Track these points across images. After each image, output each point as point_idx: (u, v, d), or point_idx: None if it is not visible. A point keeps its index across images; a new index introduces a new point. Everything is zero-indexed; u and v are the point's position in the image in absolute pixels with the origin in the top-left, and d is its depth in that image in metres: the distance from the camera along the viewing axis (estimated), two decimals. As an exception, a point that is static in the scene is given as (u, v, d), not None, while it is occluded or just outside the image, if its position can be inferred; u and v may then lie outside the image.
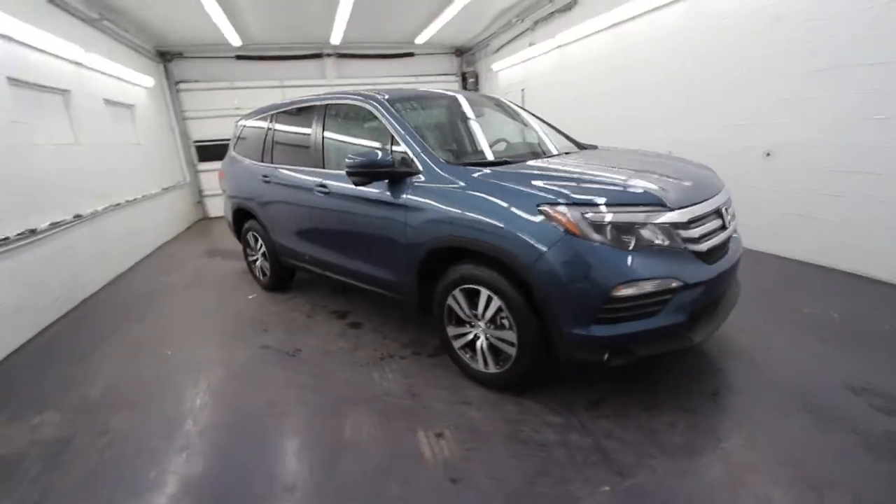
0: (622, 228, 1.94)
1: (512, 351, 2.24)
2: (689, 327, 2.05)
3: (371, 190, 2.72)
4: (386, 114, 2.78)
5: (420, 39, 8.85)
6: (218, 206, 9.16)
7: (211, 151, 8.88)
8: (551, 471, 1.84)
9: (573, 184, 2.12)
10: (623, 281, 1.90)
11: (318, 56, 9.21)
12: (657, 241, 1.97)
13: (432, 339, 3.08)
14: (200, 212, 9.15)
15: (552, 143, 3.22)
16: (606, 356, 2.01)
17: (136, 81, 6.73)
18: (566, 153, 3.05)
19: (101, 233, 4.96)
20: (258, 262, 4.35)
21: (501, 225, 2.10)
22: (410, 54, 9.72)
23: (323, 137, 3.24)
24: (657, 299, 1.95)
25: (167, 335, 3.50)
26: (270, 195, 3.75)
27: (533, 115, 3.58)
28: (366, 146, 3.01)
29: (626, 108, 5.80)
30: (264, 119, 4.05)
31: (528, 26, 7.60)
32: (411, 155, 2.57)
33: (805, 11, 3.73)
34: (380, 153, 2.52)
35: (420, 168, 2.51)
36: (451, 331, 2.53)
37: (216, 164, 9.24)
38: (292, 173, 3.48)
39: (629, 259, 1.92)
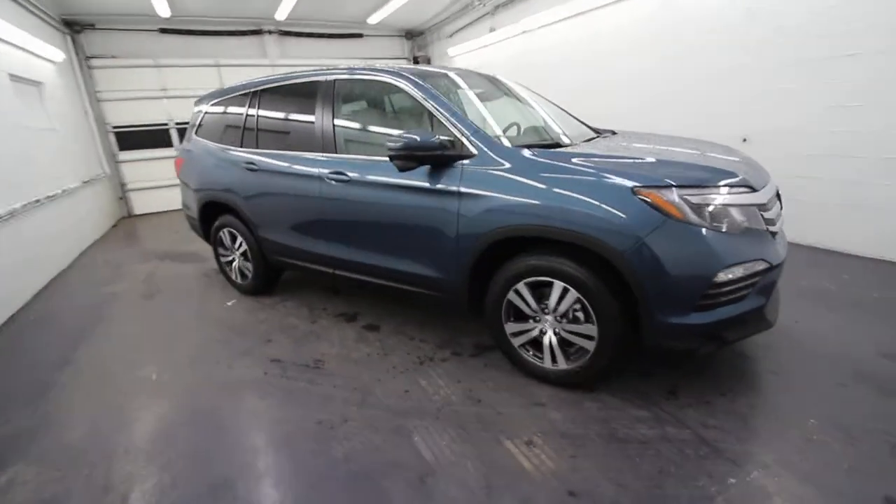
0: (719, 211, 1.88)
1: (589, 345, 2.12)
2: (766, 310, 2.07)
3: (407, 178, 2.43)
4: (423, 91, 2.49)
5: (373, 19, 8.36)
6: (146, 202, 8.05)
7: (134, 139, 7.75)
8: (670, 469, 1.75)
9: (661, 167, 2.02)
10: (726, 265, 1.84)
11: (257, 32, 8.36)
12: (746, 224, 1.94)
13: (465, 338, 2.87)
14: (124, 209, 7.96)
15: (565, 126, 3.08)
16: (700, 344, 1.96)
17: (44, 54, 5.59)
18: (600, 137, 2.96)
19: (17, 235, 4.06)
20: (235, 263, 3.81)
21: (590, 212, 1.94)
22: (359, 35, 9.17)
23: (334, 119, 2.85)
24: (749, 282, 1.92)
25: (140, 355, 2.92)
26: (258, 186, 3.26)
27: (539, 96, 3.43)
28: (393, 128, 2.70)
29: (598, 97, 5.88)
30: (241, 98, 3.50)
31: (488, 10, 7.47)
32: (461, 137, 2.32)
33: (775, 6, 3.98)
34: (422, 135, 2.24)
35: (473, 151, 2.27)
36: (511, 328, 2.34)
37: (142, 154, 8.32)
38: (290, 161, 3.04)
39: (729, 242, 1.87)
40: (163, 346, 3.05)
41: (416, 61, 9.73)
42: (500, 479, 1.76)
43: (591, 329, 2.09)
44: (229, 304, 3.72)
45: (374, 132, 2.85)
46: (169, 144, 7.98)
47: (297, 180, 2.99)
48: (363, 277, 2.91)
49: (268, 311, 3.51)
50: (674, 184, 1.87)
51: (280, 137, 3.23)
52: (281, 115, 3.26)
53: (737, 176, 1.99)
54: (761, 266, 1.94)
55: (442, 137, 2.29)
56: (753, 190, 1.99)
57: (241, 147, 3.42)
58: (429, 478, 1.80)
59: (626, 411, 2.10)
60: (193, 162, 3.85)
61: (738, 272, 1.89)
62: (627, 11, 5.35)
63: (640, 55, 5.30)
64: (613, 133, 3.27)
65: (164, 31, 7.55)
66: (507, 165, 2.19)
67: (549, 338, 2.24)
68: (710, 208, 1.87)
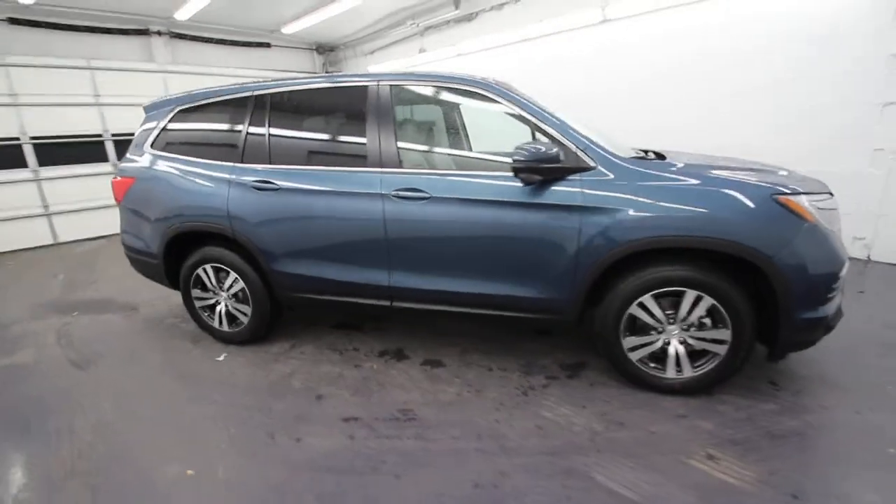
0: (829, 214, 2.11)
1: (721, 349, 2.18)
2: (838, 302, 2.38)
3: (509, 195, 2.23)
4: (520, 101, 2.32)
5: (289, 29, 7.68)
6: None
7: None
8: (848, 448, 1.87)
9: (769, 176, 2.19)
10: (845, 261, 2.07)
11: (142, 33, 7.02)
12: (834, 226, 2.22)
13: (543, 360, 2.72)
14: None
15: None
16: (820, 335, 2.15)
17: None
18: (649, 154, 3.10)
19: None
20: (220, 308, 3.05)
21: (738, 219, 2.01)
22: (266, 45, 8.35)
23: (396, 130, 2.48)
24: (842, 276, 2.19)
25: (148, 448, 2.12)
26: (276, 209, 2.66)
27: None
28: (471, 141, 2.45)
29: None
30: (235, 105, 2.85)
31: (418, 31, 7.46)
32: (575, 147, 2.21)
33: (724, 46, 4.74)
34: (546, 147, 2.10)
35: (590, 164, 2.19)
36: (630, 342, 2.29)
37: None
38: (334, 179, 2.55)
39: (839, 241, 2.11)
40: (173, 429, 2.25)
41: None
42: (720, 500, 1.67)
43: (725, 334, 2.15)
44: (220, 358, 2.95)
45: (454, 145, 2.57)
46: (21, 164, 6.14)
47: (348, 200, 2.52)
48: (435, 307, 2.56)
49: (286, 362, 2.86)
50: (802, 191, 2.05)
51: (308, 151, 2.70)
52: (309, 125, 2.74)
53: (825, 185, 2.27)
54: (847, 262, 2.24)
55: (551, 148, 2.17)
56: (832, 196, 2.29)
57: (244, 163, 2.77)
58: (650, 517, 1.63)
59: (758, 407, 2.20)
60: (152, 184, 2.99)
61: (846, 266, 2.14)
62: (566, 43, 5.84)
63: (574, 86, 5.80)
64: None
65: (14, 21, 5.85)
66: (629, 177, 2.16)
67: (675, 348, 2.25)
68: (825, 212, 2.09)
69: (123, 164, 3.16)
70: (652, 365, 2.32)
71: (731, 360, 2.18)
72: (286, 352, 3.00)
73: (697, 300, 2.14)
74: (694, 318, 2.17)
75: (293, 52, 8.83)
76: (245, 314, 3.00)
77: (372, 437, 2.11)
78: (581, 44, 5.67)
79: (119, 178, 3.14)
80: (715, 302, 2.11)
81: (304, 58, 9.06)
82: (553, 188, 2.20)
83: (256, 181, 2.69)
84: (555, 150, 2.13)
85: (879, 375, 2.42)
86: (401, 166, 2.47)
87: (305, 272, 2.73)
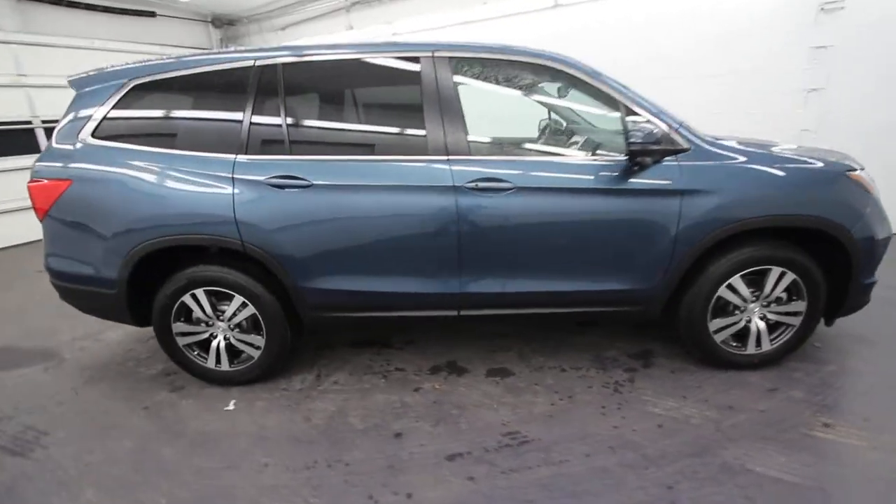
0: (874, 187, 2.31)
1: (796, 321, 2.28)
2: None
3: (605, 182, 2.05)
4: (605, 79, 2.11)
5: (184, -5, 6.40)
6: None
7: None
8: (927, 402, 2.08)
9: (819, 154, 2.32)
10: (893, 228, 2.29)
11: (-28, -13, 5.24)
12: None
13: (610, 352, 2.61)
14: None
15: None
16: (869, 297, 2.36)
17: None
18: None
19: None
20: (217, 342, 2.37)
21: (820, 197, 2.09)
22: (151, 14, 6.87)
23: (462, 110, 2.09)
24: None
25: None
26: (307, 211, 2.10)
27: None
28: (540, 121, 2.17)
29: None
30: (226, 77, 2.17)
31: (343, 5, 6.77)
32: (669, 128, 2.09)
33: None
34: (653, 127, 1.95)
35: (685, 145, 2.09)
36: (715, 324, 2.27)
37: None
38: (387, 171, 2.10)
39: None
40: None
41: (233, 56, 7.95)
42: (879, 468, 1.73)
43: (801, 306, 2.25)
44: (229, 407, 2.30)
45: (527, 126, 2.26)
46: None
47: (409, 196, 2.09)
48: (510, 311, 2.29)
49: (323, 397, 2.33)
50: (860, 167, 2.20)
51: (345, 138, 2.18)
52: (344, 104, 2.19)
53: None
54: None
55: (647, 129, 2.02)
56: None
57: (246, 154, 2.14)
58: (836, 493, 1.61)
59: (824, 370, 2.35)
60: (103, 187, 2.17)
61: None
62: (516, 25, 5.76)
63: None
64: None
65: None
66: (720, 158, 2.11)
67: (756, 324, 2.30)
68: (873, 185, 2.28)
69: (46, 163, 2.24)
70: (734, 344, 2.35)
71: (805, 330, 2.30)
72: (314, 385, 2.45)
73: (781, 276, 2.20)
74: (777, 294, 2.24)
75: (183, 25, 7.42)
76: (255, 346, 2.37)
77: (497, 475, 1.79)
78: (532, 29, 5.64)
79: (42, 182, 2.23)
80: (796, 277, 2.20)
81: (197, 32, 7.69)
82: (652, 172, 2.06)
83: (275, 177, 2.10)
84: (658, 131, 1.99)
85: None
86: (470, 153, 2.11)
87: (349, 286, 2.23)
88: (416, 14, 6.26)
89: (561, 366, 2.51)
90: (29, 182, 2.25)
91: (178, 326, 2.34)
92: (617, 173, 2.05)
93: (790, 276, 2.19)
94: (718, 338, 2.31)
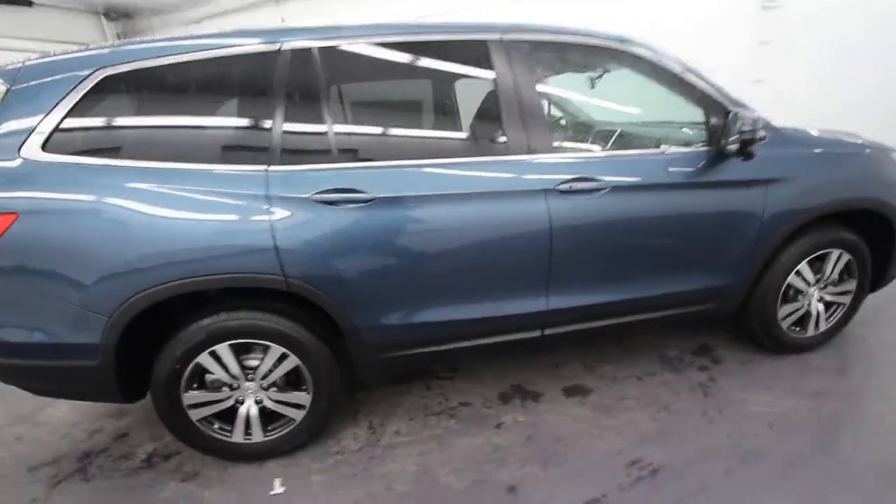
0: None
1: (846, 299, 2.35)
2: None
3: (693, 175, 1.91)
4: (677, 64, 1.95)
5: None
6: None
7: None
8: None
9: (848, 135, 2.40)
10: None
11: None
12: None
13: (670, 351, 2.50)
14: None
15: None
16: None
17: None
18: None
19: None
20: (246, 409, 1.82)
21: (878, 179, 2.17)
22: (27, 3, 5.55)
23: (538, 101, 1.80)
24: None
25: None
26: (368, 231, 1.66)
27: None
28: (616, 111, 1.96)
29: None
30: (240, 65, 1.65)
31: (272, -3, 6.05)
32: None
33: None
34: (755, 117, 1.85)
35: (765, 133, 2.01)
36: (784, 310, 2.25)
37: None
38: (458, 175, 1.75)
39: None
40: None
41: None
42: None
43: (851, 285, 2.32)
44: (277, 490, 1.78)
45: (601, 116, 2.02)
46: None
47: (492, 204, 1.75)
48: (595, 324, 2.06)
49: (392, 455, 1.91)
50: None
51: (403, 136, 1.78)
52: (398, 97, 1.78)
53: None
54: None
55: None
56: None
57: (280, 165, 1.65)
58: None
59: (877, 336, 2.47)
60: (71, 220, 1.53)
61: None
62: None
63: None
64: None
65: None
66: (793, 145, 2.09)
67: (816, 307, 2.32)
68: None
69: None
70: (795, 328, 2.36)
71: (854, 307, 2.38)
72: (372, 440, 2.01)
73: (838, 258, 2.25)
74: (833, 276, 2.28)
75: (69, 17, 6.12)
76: (299, 406, 1.87)
77: None
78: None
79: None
80: (851, 257, 2.25)
81: (88, 25, 6.40)
82: (740, 162, 1.95)
83: (326, 192, 1.64)
84: (762, 118, 1.90)
85: None
86: (553, 150, 1.84)
87: (419, 318, 1.83)
88: (361, 7, 5.79)
89: (634, 374, 2.35)
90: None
91: (192, 396, 1.77)
92: (714, 165, 1.92)
93: (846, 257, 2.25)
94: (785, 324, 2.31)
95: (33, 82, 1.59)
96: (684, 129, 2.17)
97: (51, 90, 1.58)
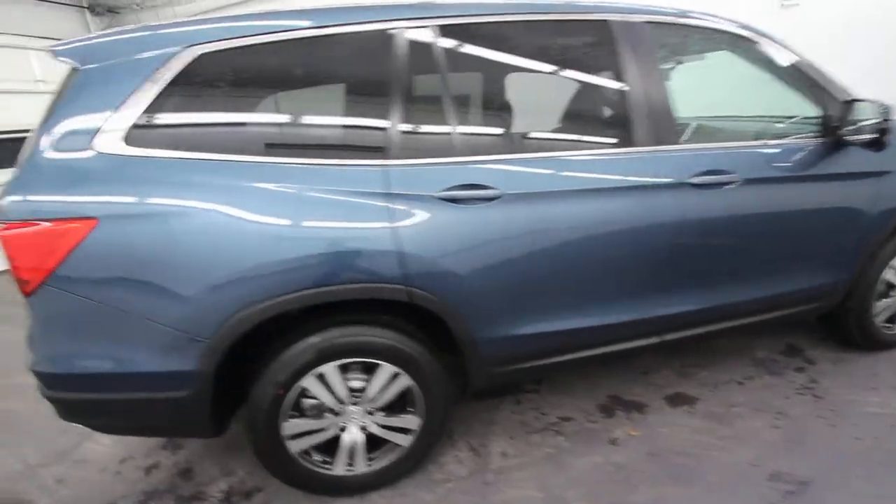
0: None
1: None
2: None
3: (817, 167, 1.82)
4: (791, 51, 1.86)
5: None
6: None
7: None
8: None
9: None
10: None
11: None
12: None
13: (755, 353, 2.41)
14: None
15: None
16: None
17: None
18: None
19: None
20: (349, 436, 1.60)
21: None
22: (3, -7, 5.08)
23: (666, 89, 1.66)
24: None
25: None
26: (496, 232, 1.49)
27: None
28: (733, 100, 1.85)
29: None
30: (351, 44, 1.45)
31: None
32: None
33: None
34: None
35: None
36: (879, 307, 2.20)
37: None
38: (593, 166, 1.61)
39: None
40: None
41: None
42: None
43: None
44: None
45: (712, 105, 1.91)
46: None
47: (623, 200, 1.61)
48: (711, 328, 1.93)
49: (510, 483, 1.72)
50: None
51: (528, 129, 1.61)
52: (519, 82, 1.60)
53: None
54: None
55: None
56: None
57: (399, 159, 1.45)
58: None
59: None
60: (166, 223, 1.29)
61: None
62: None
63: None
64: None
65: None
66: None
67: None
68: None
69: (27, 195, 1.28)
70: (889, 325, 2.31)
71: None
72: (480, 464, 1.82)
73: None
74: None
75: (50, 10, 5.65)
76: (407, 430, 1.67)
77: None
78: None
79: (30, 227, 1.26)
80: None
81: (71, 20, 5.94)
82: (855, 152, 1.87)
83: (452, 188, 1.46)
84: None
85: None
86: (679, 141, 1.71)
87: (541, 328, 1.66)
88: None
89: (733, 378, 2.24)
90: (1, 230, 1.27)
91: (291, 425, 1.54)
92: (831, 157, 1.84)
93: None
94: (878, 321, 2.25)
95: (110, 61, 1.35)
96: (799, 120, 2.09)
97: (132, 71, 1.34)
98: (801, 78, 1.90)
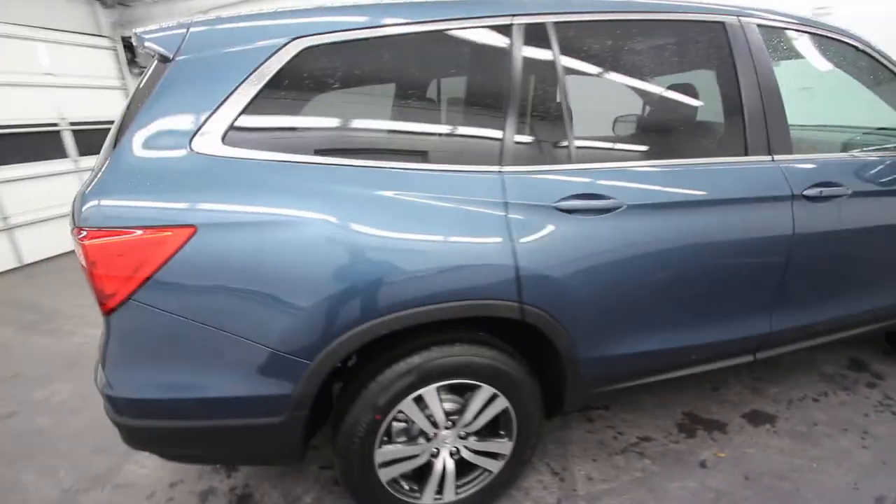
0: None
1: None
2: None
3: None
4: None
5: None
6: None
7: None
8: None
9: None
10: None
11: None
12: None
13: (823, 368, 2.35)
14: None
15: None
16: None
17: None
18: None
19: None
20: (441, 463, 1.48)
21: None
22: (7, -20, 4.81)
23: (779, 95, 1.59)
24: None
25: None
26: (609, 246, 1.39)
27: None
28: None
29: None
30: (471, 40, 1.34)
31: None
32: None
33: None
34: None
35: None
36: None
37: None
38: (708, 176, 1.52)
39: None
40: None
41: (128, 46, 6.03)
42: None
43: None
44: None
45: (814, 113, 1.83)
46: None
47: (739, 212, 1.53)
48: (806, 343, 1.87)
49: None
50: None
51: (642, 136, 1.52)
52: (628, 86, 1.51)
53: None
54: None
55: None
56: None
57: (513, 165, 1.34)
58: None
59: None
60: (271, 233, 1.16)
61: None
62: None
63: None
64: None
65: None
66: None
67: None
68: None
69: (117, 200, 1.14)
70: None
71: None
72: (566, 490, 1.71)
73: None
74: None
75: (55, 1, 5.38)
76: (496, 456, 1.56)
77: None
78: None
79: (123, 235, 1.11)
80: None
81: (74, 10, 5.66)
82: None
83: (569, 198, 1.36)
84: None
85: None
86: (790, 151, 1.63)
87: (642, 347, 1.57)
88: None
89: (807, 394, 2.18)
90: (82, 238, 1.12)
91: (385, 452, 1.41)
92: None
93: None
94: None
95: (207, 52, 1.21)
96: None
97: (233, 64, 1.21)
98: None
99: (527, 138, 1.38)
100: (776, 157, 1.58)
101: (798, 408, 2.09)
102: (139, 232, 1.11)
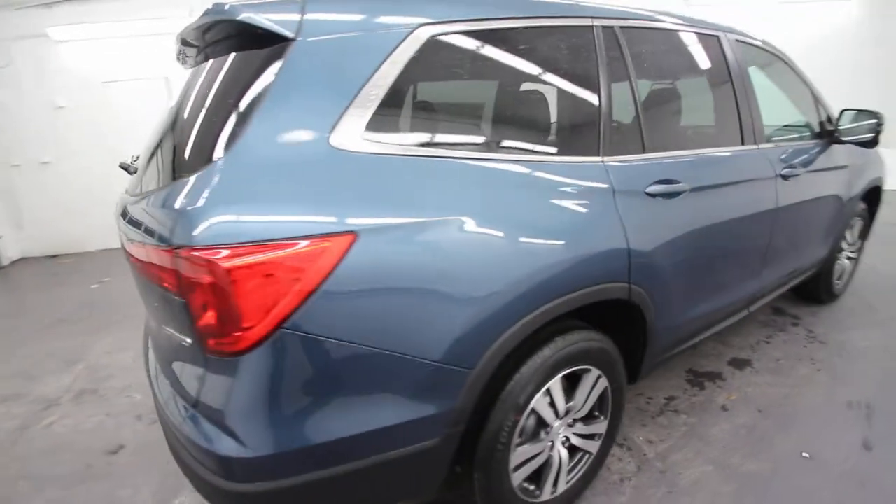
0: None
1: None
2: None
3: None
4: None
5: None
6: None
7: None
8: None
9: None
10: None
11: None
12: None
13: (774, 318, 2.92)
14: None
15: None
16: None
17: None
18: None
19: None
20: (557, 454, 1.48)
21: None
22: None
23: (749, 95, 1.96)
24: None
25: None
26: (679, 226, 1.58)
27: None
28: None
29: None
30: (566, 37, 1.38)
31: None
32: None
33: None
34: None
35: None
36: None
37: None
38: (730, 163, 1.85)
39: None
40: None
41: None
42: None
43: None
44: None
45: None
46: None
47: (745, 191, 1.86)
48: (781, 291, 2.37)
49: (691, 462, 1.80)
50: None
51: (684, 127, 1.74)
52: (677, 85, 1.70)
53: None
54: None
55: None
56: None
57: (610, 155, 1.43)
58: None
59: None
60: (423, 238, 1.04)
61: None
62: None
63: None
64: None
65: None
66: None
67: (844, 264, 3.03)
68: None
69: (259, 213, 0.93)
70: (839, 283, 3.02)
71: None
72: (639, 456, 1.85)
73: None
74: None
75: None
76: (594, 438, 1.61)
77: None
78: None
79: (270, 252, 0.90)
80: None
81: None
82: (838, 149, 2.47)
83: (655, 183, 1.50)
84: None
85: None
86: (754, 142, 2.01)
87: (694, 312, 1.80)
88: None
89: (760, 339, 2.68)
90: (220, 258, 0.88)
91: (519, 453, 1.37)
92: (827, 153, 2.39)
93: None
94: (834, 279, 2.95)
95: (337, 34, 1.06)
96: (807, 124, 2.60)
97: (367, 48, 1.07)
98: (807, 89, 2.43)
99: (616, 129, 1.49)
100: (765, 144, 1.98)
101: (761, 350, 2.57)
102: (305, 243, 0.92)
